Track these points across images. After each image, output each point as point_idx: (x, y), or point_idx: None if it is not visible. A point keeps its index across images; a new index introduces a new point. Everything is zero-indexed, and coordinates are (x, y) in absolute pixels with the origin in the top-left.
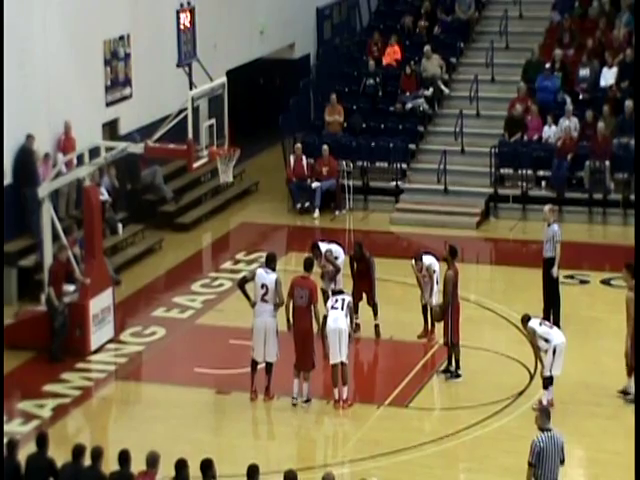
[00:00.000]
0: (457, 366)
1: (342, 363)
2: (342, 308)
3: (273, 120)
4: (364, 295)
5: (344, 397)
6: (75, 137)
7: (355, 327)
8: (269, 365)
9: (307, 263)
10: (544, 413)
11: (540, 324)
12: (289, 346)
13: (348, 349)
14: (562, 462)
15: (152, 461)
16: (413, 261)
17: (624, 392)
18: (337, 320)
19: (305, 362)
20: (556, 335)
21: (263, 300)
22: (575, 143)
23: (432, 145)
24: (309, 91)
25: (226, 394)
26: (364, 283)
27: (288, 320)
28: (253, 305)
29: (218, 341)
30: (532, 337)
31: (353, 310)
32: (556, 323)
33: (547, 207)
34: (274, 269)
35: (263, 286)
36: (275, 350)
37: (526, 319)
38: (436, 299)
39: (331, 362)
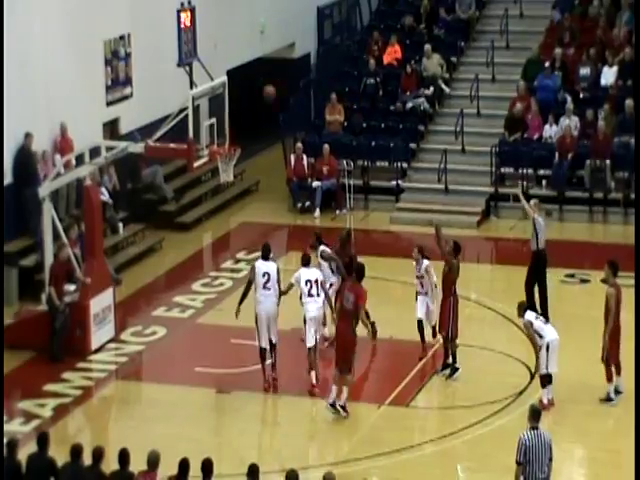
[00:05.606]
0: (454, 360)
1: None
2: (318, 294)
3: (273, 120)
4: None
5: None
6: (72, 137)
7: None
8: (273, 345)
9: (359, 270)
10: (532, 411)
11: (536, 317)
12: (297, 346)
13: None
14: (550, 460)
15: (153, 461)
16: (414, 263)
17: (607, 397)
18: (318, 308)
19: (344, 364)
20: (549, 332)
21: (265, 288)
22: (575, 142)
23: (433, 144)
24: (309, 90)
25: (226, 393)
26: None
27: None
28: (237, 311)
29: (219, 340)
30: (528, 330)
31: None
32: (544, 314)
33: (532, 202)
34: (272, 258)
35: (265, 274)
36: (276, 332)
37: (523, 307)
38: (437, 300)
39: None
